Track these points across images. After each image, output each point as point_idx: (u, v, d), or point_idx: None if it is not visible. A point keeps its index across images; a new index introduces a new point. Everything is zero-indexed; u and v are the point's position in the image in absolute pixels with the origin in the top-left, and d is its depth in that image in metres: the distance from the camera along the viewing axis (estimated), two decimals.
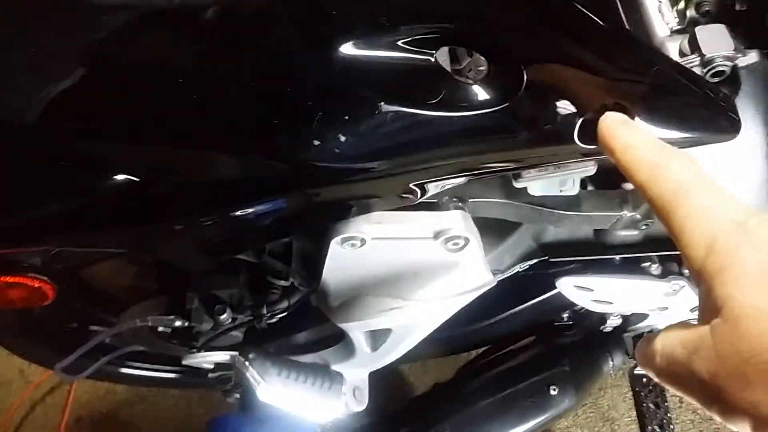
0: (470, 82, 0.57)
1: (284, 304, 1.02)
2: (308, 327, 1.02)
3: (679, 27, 0.78)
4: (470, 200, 0.81)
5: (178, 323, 1.01)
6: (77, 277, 1.20)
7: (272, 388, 0.91)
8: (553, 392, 1.13)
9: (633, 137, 0.50)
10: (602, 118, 0.52)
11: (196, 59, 0.57)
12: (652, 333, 0.45)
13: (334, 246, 0.78)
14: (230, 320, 1.02)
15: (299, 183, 0.59)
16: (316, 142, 0.56)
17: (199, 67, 0.56)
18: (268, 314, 1.03)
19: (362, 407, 0.98)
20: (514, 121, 0.58)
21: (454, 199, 0.80)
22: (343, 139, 0.56)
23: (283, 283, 0.91)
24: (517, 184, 0.79)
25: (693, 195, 0.44)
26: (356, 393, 0.98)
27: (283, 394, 0.92)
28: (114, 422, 1.77)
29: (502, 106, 0.57)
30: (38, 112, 0.57)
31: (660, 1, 0.79)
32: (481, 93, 0.57)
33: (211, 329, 1.04)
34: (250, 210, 0.60)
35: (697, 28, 0.73)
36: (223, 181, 0.58)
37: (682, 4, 0.78)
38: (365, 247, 0.78)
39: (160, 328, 1.09)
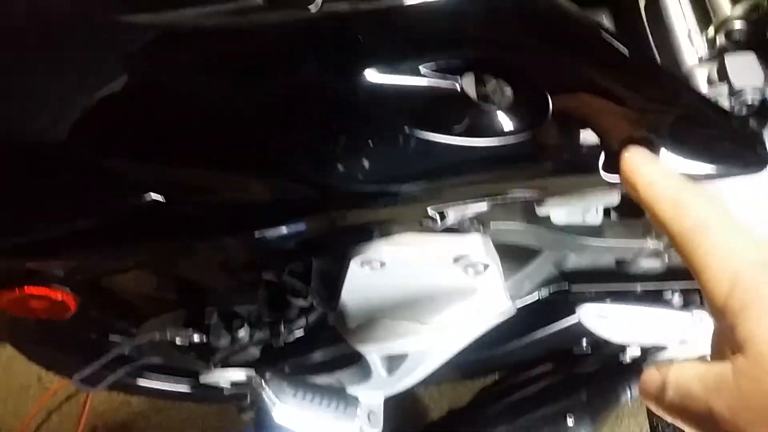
0: (495, 109, 0.57)
1: (302, 322, 1.02)
2: (324, 347, 1.02)
3: (708, 55, 0.78)
4: (492, 225, 0.80)
5: (196, 337, 1.02)
6: (98, 287, 1.20)
7: (288, 408, 0.90)
8: (569, 422, 1.11)
9: (655, 173, 0.49)
10: (625, 152, 0.52)
11: (224, 82, 0.57)
12: (657, 366, 0.45)
13: (354, 267, 0.78)
14: (248, 337, 1.03)
15: (322, 207, 0.59)
16: (340, 167, 0.56)
17: (226, 90, 0.57)
18: (286, 332, 1.03)
19: (378, 431, 0.98)
20: (538, 150, 0.58)
21: (475, 224, 0.80)
22: (366, 164, 0.56)
23: (302, 302, 0.91)
24: (540, 212, 0.79)
25: (715, 231, 0.43)
26: (371, 417, 0.97)
27: (298, 415, 0.91)
28: None
29: (527, 134, 0.57)
30: (67, 130, 0.57)
31: (690, 29, 0.79)
32: (505, 121, 0.57)
33: (229, 345, 1.04)
34: (273, 232, 0.60)
35: (726, 56, 0.72)
36: (247, 203, 0.58)
37: (711, 32, 0.77)
38: (385, 269, 0.78)
39: (179, 342, 1.10)
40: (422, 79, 0.56)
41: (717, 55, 0.76)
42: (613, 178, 0.58)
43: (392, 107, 0.56)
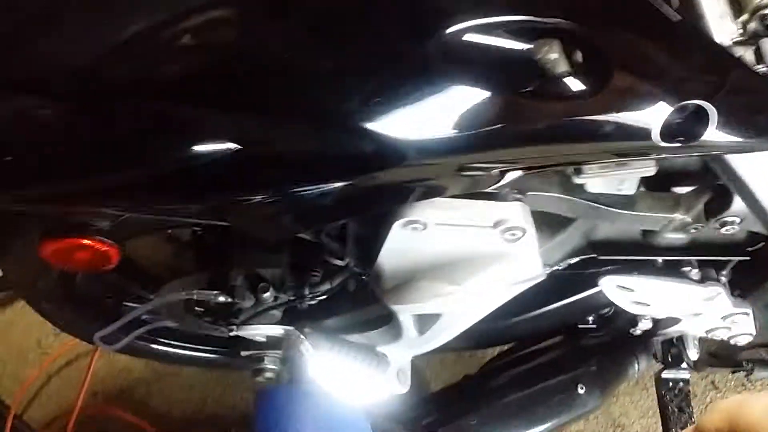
0: (562, 73, 0.59)
1: (326, 285, 1.04)
2: (358, 307, 1.04)
3: (740, 38, 0.80)
4: (529, 193, 0.83)
5: (221, 299, 1.03)
6: None
7: (323, 363, 0.93)
8: (580, 391, 1.15)
9: None
10: None
11: (300, 32, 0.59)
12: None
13: (397, 228, 0.80)
14: (272, 299, 1.05)
15: (388, 161, 0.61)
16: (410, 121, 0.58)
17: (300, 40, 0.59)
18: (310, 295, 1.05)
19: (405, 389, 1.01)
20: (600, 114, 0.60)
21: (514, 191, 0.82)
22: (437, 119, 0.58)
23: (339, 262, 0.93)
24: (578, 180, 0.82)
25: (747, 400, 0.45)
26: (400, 375, 1.00)
27: (332, 370, 0.94)
28: (129, 399, 1.78)
29: (590, 98, 0.59)
30: (137, 75, 0.59)
31: (721, 13, 0.81)
32: (571, 85, 0.59)
33: (252, 307, 1.06)
34: (341, 183, 0.62)
35: (763, 41, 0.74)
36: (321, 154, 0.60)
37: (745, 16, 0.80)
38: (426, 231, 0.81)
39: (197, 307, 1.12)
40: (497, 40, 0.58)
41: (749, 39, 0.78)
42: (667, 144, 0.61)
43: (466, 65, 0.58)
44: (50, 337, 1.86)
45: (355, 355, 0.96)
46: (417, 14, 0.59)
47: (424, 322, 0.95)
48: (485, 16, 0.58)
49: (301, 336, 0.95)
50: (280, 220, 0.70)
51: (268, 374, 1.20)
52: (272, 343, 1.12)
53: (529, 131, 0.61)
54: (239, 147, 0.58)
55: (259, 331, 1.01)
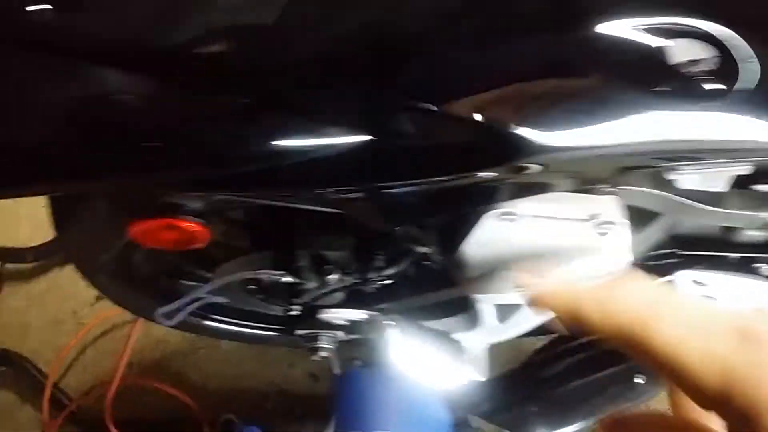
0: (697, 73, 0.59)
1: (392, 269, 1.04)
2: (439, 293, 1.04)
3: None
4: (621, 187, 0.83)
5: (287, 279, 1.03)
6: None
7: (405, 347, 0.93)
8: (637, 380, 1.16)
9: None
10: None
11: (440, 18, 0.59)
12: None
13: (488, 219, 0.80)
14: (337, 281, 1.05)
15: (515, 155, 0.60)
16: (544, 116, 0.57)
17: (441, 28, 0.58)
18: (375, 279, 1.05)
19: (483, 377, 1.01)
20: (730, 115, 0.60)
21: (608, 185, 0.82)
22: (569, 114, 0.58)
23: (421, 249, 0.93)
24: (671, 176, 0.81)
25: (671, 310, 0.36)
26: (476, 362, 1.01)
27: (413, 354, 0.95)
28: (165, 371, 1.79)
29: (724, 99, 0.59)
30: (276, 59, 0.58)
31: None
32: (704, 85, 0.59)
33: (315, 288, 1.06)
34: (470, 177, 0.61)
35: None
36: (460, 146, 0.60)
37: None
38: (517, 222, 0.80)
39: (251, 285, 1.12)
40: (639, 36, 0.57)
41: None
42: None
43: (606, 61, 0.58)
44: (86, 308, 1.87)
45: (432, 342, 0.96)
46: (563, 8, 0.58)
47: (504, 311, 0.95)
48: (631, 15, 0.57)
49: (386, 322, 0.95)
50: (394, 211, 0.70)
51: (324, 353, 1.20)
52: (328, 323, 1.12)
53: (660, 129, 0.60)
54: (372, 138, 0.58)
55: (341, 315, 1.01)
